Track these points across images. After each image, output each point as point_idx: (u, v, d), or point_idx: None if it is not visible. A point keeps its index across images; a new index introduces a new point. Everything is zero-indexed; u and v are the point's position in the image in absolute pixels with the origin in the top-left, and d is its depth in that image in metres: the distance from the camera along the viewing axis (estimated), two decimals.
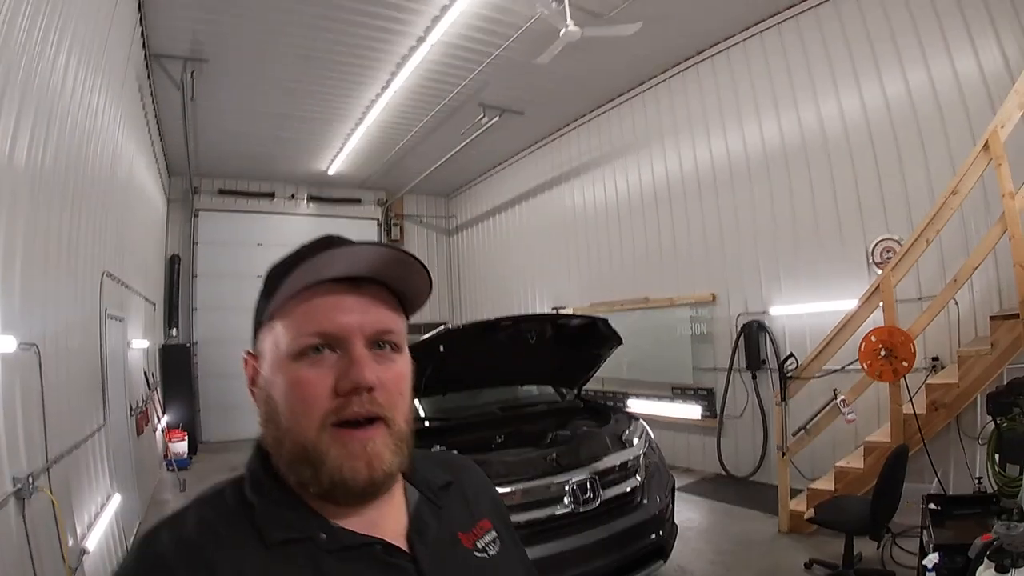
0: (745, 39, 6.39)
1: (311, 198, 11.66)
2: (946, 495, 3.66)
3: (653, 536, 3.45)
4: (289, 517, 0.72)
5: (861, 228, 5.38)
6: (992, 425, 3.85)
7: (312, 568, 0.70)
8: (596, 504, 3.32)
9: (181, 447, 8.29)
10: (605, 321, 4.24)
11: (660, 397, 7.26)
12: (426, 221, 13.07)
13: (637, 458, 3.69)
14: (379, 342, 0.75)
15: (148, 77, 6.43)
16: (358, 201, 12.09)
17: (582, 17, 5.41)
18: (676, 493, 4.02)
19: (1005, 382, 3.82)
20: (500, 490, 3.09)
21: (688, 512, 5.33)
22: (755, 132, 6.34)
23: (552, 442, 4.01)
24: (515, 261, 10.73)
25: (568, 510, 3.23)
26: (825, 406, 4.72)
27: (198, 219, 10.64)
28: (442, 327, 3.73)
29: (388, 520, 0.79)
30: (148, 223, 8.11)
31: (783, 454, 4.77)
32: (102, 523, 3.69)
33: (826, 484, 4.62)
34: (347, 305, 0.74)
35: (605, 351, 4.45)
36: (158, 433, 7.86)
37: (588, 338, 4.33)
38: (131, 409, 5.72)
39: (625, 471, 3.59)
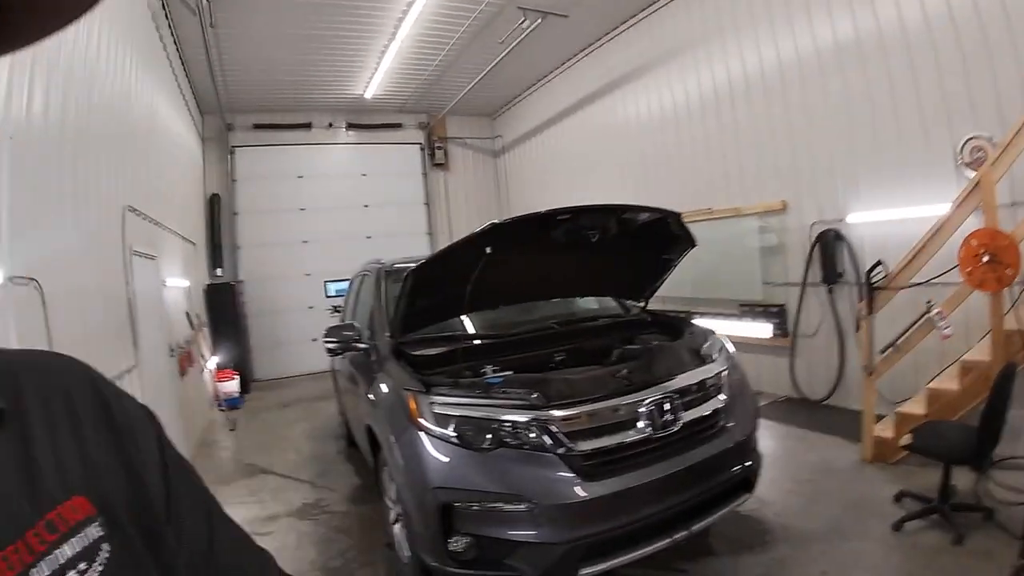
0: None
1: (350, 126, 11.34)
2: None
3: (740, 467, 3.11)
4: None
5: (947, 126, 4.70)
6: None
7: None
8: (676, 428, 2.91)
9: (231, 386, 8.37)
10: (677, 216, 3.60)
11: (727, 316, 6.82)
12: (471, 143, 12.57)
13: (720, 375, 3.25)
14: None
15: (163, 7, 6.12)
16: (399, 126, 11.71)
17: None
18: None
19: None
20: (560, 413, 2.78)
21: (760, 438, 5.04)
22: (826, 26, 5.56)
23: (619, 359, 3.56)
24: (564, 179, 10.24)
25: (644, 435, 2.82)
26: (917, 320, 4.27)
27: (235, 156, 10.53)
28: (488, 223, 3.13)
29: None
30: (182, 161, 8.05)
31: (869, 374, 4.38)
32: None
33: (915, 408, 4.23)
34: None
35: (676, 254, 3.86)
36: (206, 374, 7.97)
37: (657, 239, 3.78)
38: (171, 350, 5.73)
39: (707, 391, 3.15)
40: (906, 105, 4.98)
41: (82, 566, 0.42)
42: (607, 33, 8.60)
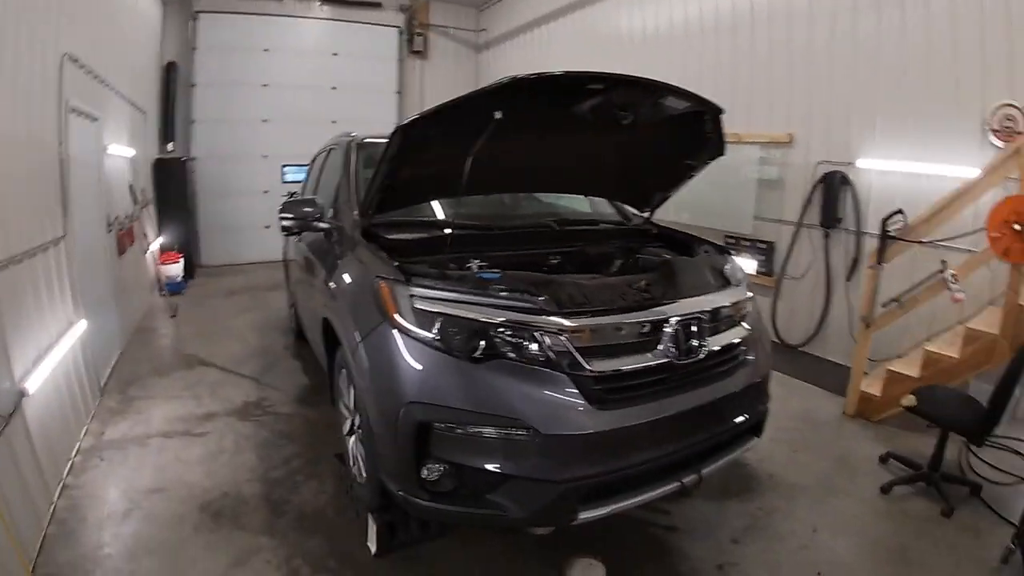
0: None
1: (325, 0, 10.19)
2: None
3: (761, 407, 2.82)
4: None
5: (980, 87, 4.30)
6: None
7: None
8: (701, 357, 2.48)
9: (174, 270, 7.83)
10: (719, 114, 3.03)
11: None
12: (453, 33, 11.57)
13: (747, 301, 2.86)
14: None
15: None
16: (378, 5, 10.62)
17: None
18: None
19: None
20: (575, 323, 2.21)
21: None
22: None
23: (629, 270, 3.12)
24: None
25: (665, 360, 2.40)
26: (927, 279, 4.07)
27: (198, 22, 9.29)
28: (507, 76, 2.41)
29: None
30: (137, 22, 7.06)
31: (867, 326, 4.21)
32: (54, 357, 3.19)
33: (907, 368, 4.12)
34: None
35: (700, 161, 3.34)
36: (148, 255, 7.34)
37: (684, 139, 3.22)
38: (109, 224, 5.16)
39: (731, 318, 2.73)
40: (940, 57, 4.54)
41: None
42: None
